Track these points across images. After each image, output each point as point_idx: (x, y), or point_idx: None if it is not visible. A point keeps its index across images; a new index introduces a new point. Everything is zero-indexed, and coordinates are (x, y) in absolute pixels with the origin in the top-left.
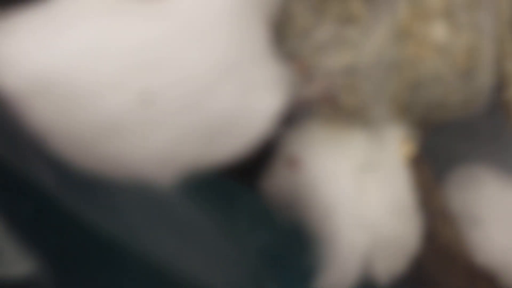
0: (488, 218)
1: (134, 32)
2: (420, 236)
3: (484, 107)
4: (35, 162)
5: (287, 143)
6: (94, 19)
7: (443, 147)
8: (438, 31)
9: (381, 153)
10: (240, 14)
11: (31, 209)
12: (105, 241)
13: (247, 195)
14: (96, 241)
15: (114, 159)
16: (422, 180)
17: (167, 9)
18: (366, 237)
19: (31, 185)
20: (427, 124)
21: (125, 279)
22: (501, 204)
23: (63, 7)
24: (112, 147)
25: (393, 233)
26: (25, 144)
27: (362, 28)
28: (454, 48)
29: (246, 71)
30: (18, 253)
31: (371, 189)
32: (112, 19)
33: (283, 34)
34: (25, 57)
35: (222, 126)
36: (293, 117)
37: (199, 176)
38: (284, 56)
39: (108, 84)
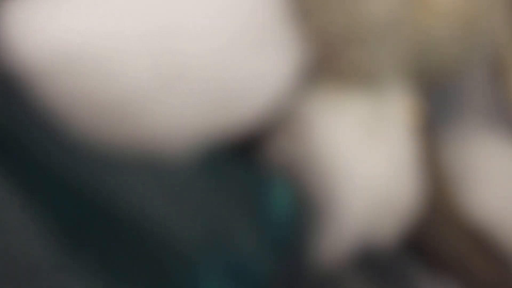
0: (486, 178)
1: (147, 5)
2: (422, 198)
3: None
4: (46, 138)
5: (292, 105)
6: None
7: (440, 106)
8: None
9: (386, 114)
10: None
11: (41, 186)
12: (113, 214)
13: (246, 161)
14: (105, 215)
15: (132, 131)
16: (425, 141)
17: None
18: (369, 198)
19: (42, 162)
20: (428, 85)
21: (132, 250)
22: (498, 164)
23: None
24: (131, 119)
25: (396, 195)
26: (36, 119)
27: None
28: (455, 11)
29: (260, 36)
30: (29, 232)
31: (376, 150)
32: None
33: None
34: (42, 33)
35: (238, 91)
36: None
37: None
38: (292, 17)
39: (125, 56)
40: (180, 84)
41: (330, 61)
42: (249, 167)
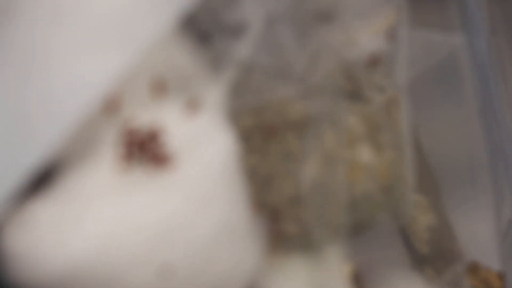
0: None
1: (148, 210)
2: None
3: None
4: None
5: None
6: (108, 201)
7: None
8: (364, 154)
9: (325, 275)
10: (231, 172)
11: None
12: None
13: None
14: None
15: None
16: None
17: (172, 180)
18: None
19: None
20: (356, 236)
21: None
22: None
23: (74, 191)
24: None
25: None
26: None
27: (299, 161)
28: (379, 166)
29: (239, 228)
30: None
31: None
32: (124, 199)
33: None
34: (48, 252)
35: (221, 279)
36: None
37: None
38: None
39: (131, 264)
40: (181, 278)
41: (275, 227)
42: None
